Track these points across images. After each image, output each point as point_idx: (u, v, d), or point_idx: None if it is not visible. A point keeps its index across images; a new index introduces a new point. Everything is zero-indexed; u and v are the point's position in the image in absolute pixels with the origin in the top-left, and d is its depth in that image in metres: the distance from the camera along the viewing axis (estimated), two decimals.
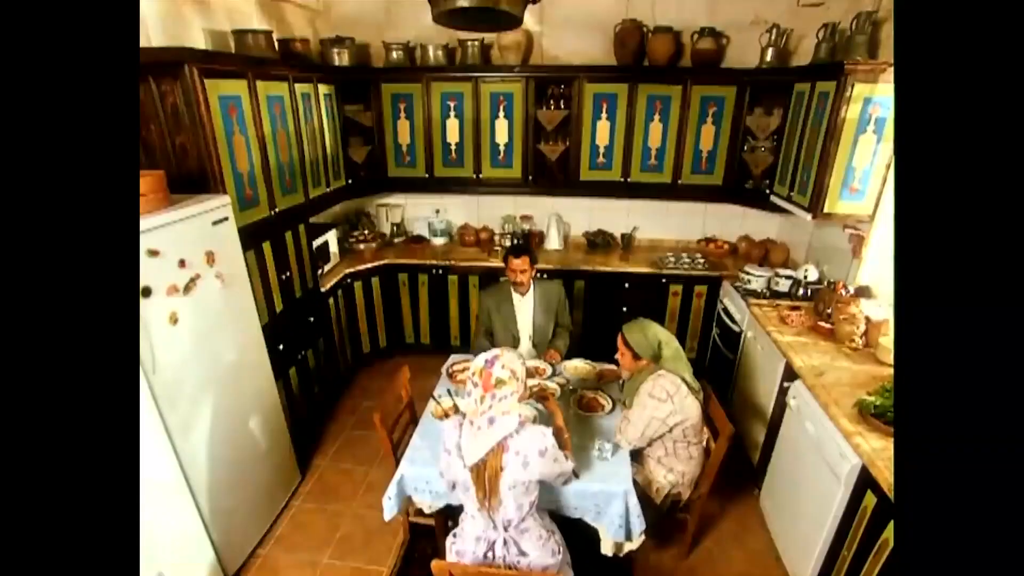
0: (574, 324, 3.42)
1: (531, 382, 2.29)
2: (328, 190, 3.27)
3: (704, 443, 2.12)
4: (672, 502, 2.11)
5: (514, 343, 2.77)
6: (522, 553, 1.57)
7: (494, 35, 3.39)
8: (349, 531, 2.47)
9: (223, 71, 2.18)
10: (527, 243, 2.59)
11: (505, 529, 1.56)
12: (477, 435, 1.48)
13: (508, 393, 1.47)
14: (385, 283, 3.73)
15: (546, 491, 1.72)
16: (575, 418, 2.12)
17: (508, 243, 3.89)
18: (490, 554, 1.59)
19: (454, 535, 1.69)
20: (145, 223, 1.67)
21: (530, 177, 3.63)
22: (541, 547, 1.58)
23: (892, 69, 2.35)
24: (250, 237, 2.34)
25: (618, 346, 2.06)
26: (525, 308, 2.74)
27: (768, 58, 3.24)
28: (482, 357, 1.52)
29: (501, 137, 3.54)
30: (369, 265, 3.62)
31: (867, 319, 2.37)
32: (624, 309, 3.63)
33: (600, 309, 3.65)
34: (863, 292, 2.68)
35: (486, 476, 1.48)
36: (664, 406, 1.90)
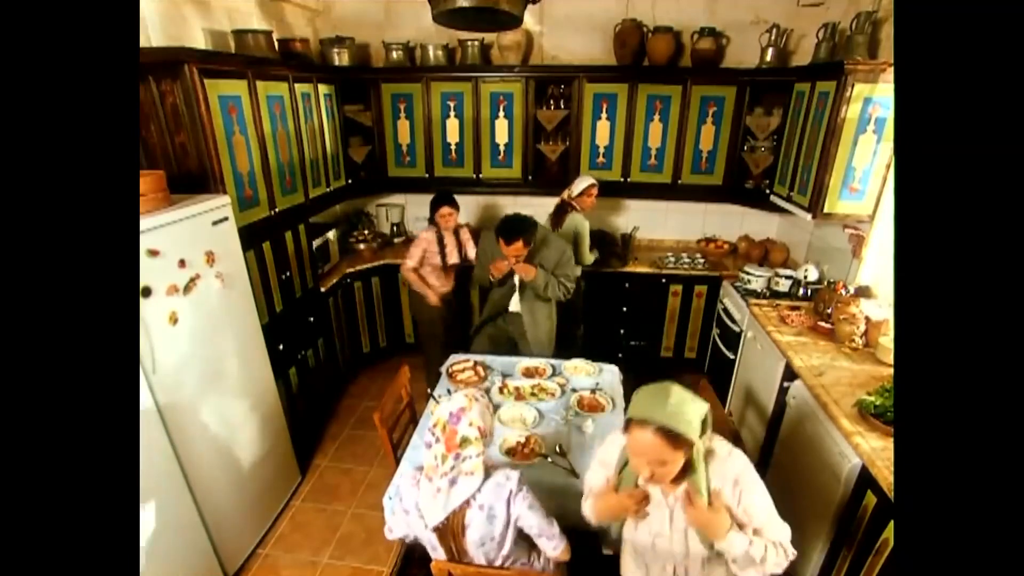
0: (574, 325, 3.42)
1: (531, 382, 2.31)
2: (328, 190, 3.27)
3: None
4: None
5: (509, 293, 2.68)
6: None
7: (494, 35, 3.39)
8: (349, 531, 2.47)
9: (223, 71, 2.18)
10: (521, 223, 2.37)
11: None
12: (437, 496, 1.36)
13: (473, 454, 1.35)
14: (385, 283, 3.73)
15: (548, 495, 1.63)
16: (575, 418, 2.12)
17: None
18: None
19: None
20: (145, 223, 1.68)
21: (530, 177, 3.63)
22: None
23: (892, 69, 2.35)
24: (250, 237, 2.34)
25: (653, 449, 1.16)
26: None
27: (768, 58, 3.24)
28: (446, 408, 1.36)
29: (501, 137, 3.54)
30: (369, 265, 3.62)
31: (867, 319, 2.37)
32: (624, 309, 3.63)
33: (600, 309, 3.65)
34: (863, 292, 2.68)
35: (450, 536, 1.39)
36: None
